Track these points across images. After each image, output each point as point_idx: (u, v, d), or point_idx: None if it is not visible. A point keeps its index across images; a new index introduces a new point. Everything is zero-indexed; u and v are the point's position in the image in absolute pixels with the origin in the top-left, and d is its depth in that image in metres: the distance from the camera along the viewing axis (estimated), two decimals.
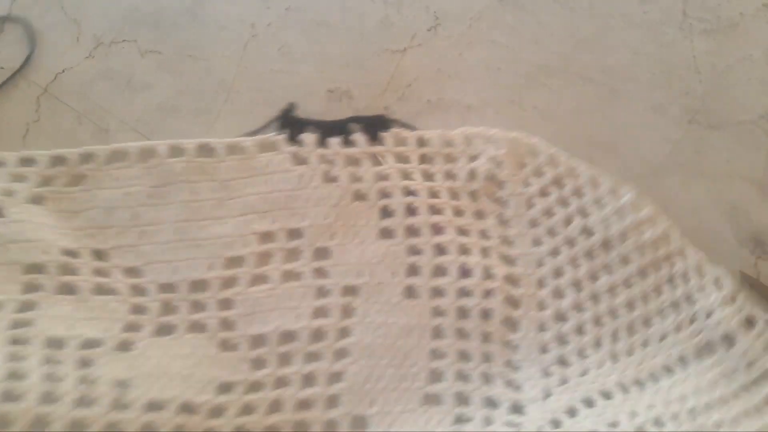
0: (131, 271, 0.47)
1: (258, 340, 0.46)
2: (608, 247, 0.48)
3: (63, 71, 0.55)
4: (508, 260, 0.48)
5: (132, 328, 0.45)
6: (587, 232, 0.48)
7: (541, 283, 0.48)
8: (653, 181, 0.53)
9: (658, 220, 0.48)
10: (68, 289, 0.46)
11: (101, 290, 0.46)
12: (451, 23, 0.58)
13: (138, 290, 0.47)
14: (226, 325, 0.46)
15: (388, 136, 0.51)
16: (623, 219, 0.48)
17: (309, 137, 0.50)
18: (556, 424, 0.43)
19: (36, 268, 0.46)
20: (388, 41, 0.57)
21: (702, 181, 0.53)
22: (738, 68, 0.57)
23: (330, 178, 0.50)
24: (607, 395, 0.44)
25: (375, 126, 0.51)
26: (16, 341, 0.43)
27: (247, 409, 0.44)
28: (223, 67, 0.56)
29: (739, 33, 0.59)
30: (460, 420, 0.44)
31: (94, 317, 0.45)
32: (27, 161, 0.50)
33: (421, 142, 0.51)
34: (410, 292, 0.47)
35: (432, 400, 0.45)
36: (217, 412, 0.43)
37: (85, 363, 0.43)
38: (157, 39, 0.57)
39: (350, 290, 0.47)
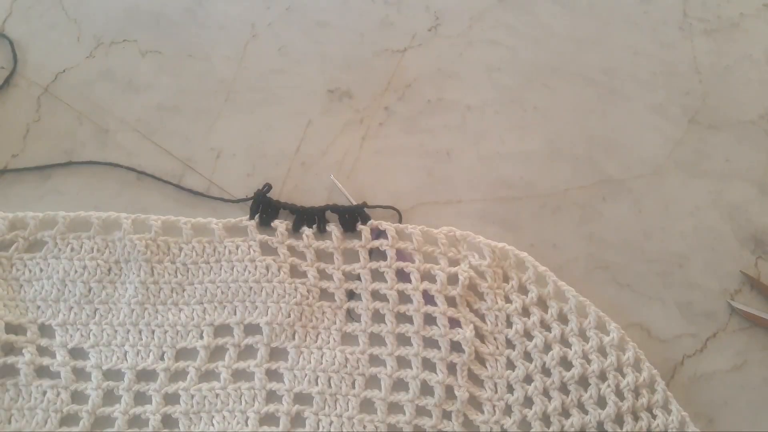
0: (76, 353, 0.46)
1: None
2: (585, 384, 0.45)
3: (63, 71, 0.55)
4: (476, 381, 0.45)
5: (69, 421, 0.44)
6: (565, 363, 0.45)
7: (507, 411, 0.44)
8: (653, 180, 0.53)
9: (644, 365, 0.45)
10: (9, 372, 0.45)
11: (43, 373, 0.45)
12: (451, 23, 0.58)
13: (81, 375, 0.45)
14: (169, 423, 0.44)
15: (365, 229, 0.48)
16: (606, 357, 0.45)
17: (281, 226, 0.48)
18: None
19: None
20: (388, 41, 0.57)
21: (702, 181, 0.53)
22: (738, 68, 0.57)
23: (298, 273, 0.48)
24: None
25: (353, 217, 0.49)
26: None
27: None
28: (223, 67, 0.56)
29: (739, 33, 0.59)
30: None
31: (32, 407, 0.44)
32: None
33: (401, 237, 0.48)
34: (367, 406, 0.45)
35: None
36: None
37: None
38: (157, 39, 0.57)
39: (303, 398, 0.45)
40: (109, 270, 0.48)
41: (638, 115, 0.55)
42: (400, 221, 0.50)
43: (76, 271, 0.48)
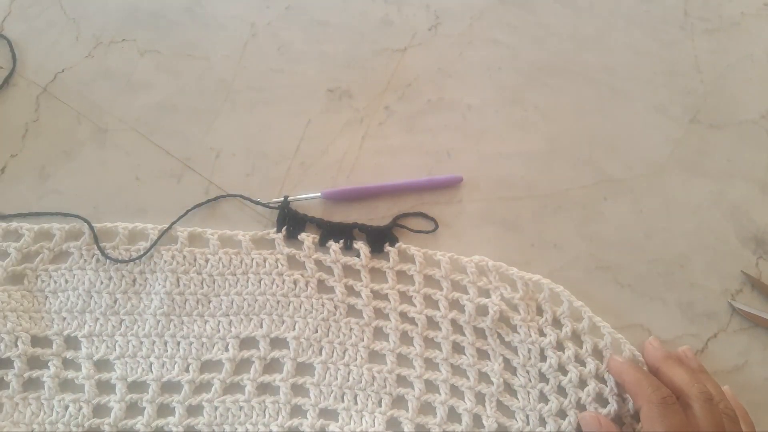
0: (102, 365, 0.46)
1: None
2: (620, 422, 0.44)
3: (62, 71, 0.55)
4: (506, 412, 0.45)
5: None
6: (601, 399, 0.45)
7: None
8: (654, 180, 0.53)
9: None
10: (34, 386, 0.45)
11: (66, 386, 0.45)
12: (451, 22, 0.58)
13: (105, 387, 0.45)
14: None
15: (393, 251, 0.48)
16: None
17: (308, 239, 0.48)
18: None
19: (3, 364, 0.45)
20: (388, 40, 0.57)
21: (703, 181, 0.53)
22: (739, 67, 0.57)
23: (325, 289, 0.48)
24: None
25: (381, 238, 0.48)
26: None
27: None
28: (222, 66, 0.55)
29: (740, 32, 0.58)
30: None
31: (53, 422, 0.44)
32: (10, 235, 0.49)
33: (430, 262, 0.48)
34: (393, 425, 0.45)
35: None
36: None
37: None
38: (156, 38, 0.56)
39: (328, 414, 0.45)
40: (134, 281, 0.48)
41: (639, 115, 0.55)
42: (436, 228, 0.50)
43: (101, 282, 0.47)
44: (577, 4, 0.59)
